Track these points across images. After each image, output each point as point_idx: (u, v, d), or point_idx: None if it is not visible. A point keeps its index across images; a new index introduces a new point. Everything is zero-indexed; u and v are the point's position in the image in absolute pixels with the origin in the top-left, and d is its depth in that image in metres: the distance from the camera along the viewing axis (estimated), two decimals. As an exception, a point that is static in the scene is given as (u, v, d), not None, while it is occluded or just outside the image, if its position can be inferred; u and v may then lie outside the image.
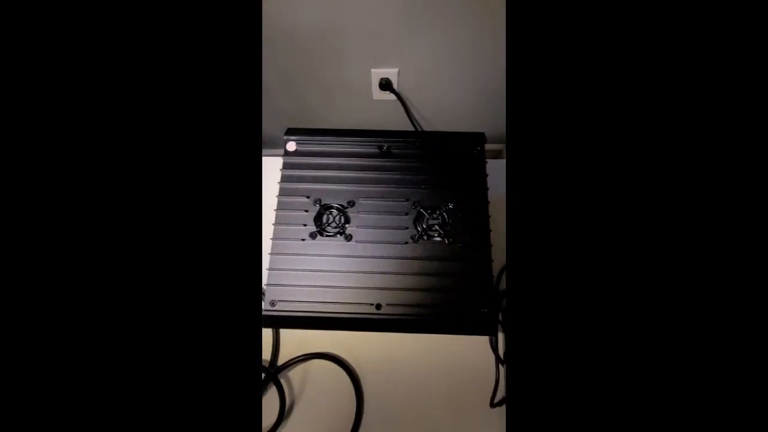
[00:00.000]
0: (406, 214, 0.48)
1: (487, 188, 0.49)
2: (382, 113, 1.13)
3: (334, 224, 0.49)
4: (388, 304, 0.45)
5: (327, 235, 0.48)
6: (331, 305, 0.46)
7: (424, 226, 0.48)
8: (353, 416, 0.49)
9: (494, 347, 0.51)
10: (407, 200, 0.49)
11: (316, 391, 0.51)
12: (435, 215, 0.48)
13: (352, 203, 0.49)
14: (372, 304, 0.45)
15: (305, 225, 0.48)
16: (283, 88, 1.05)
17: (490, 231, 0.48)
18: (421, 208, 0.49)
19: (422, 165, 0.50)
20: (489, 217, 0.48)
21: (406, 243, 0.47)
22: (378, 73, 1.02)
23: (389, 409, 0.50)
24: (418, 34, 0.91)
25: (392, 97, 1.07)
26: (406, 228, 0.48)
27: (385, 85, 1.04)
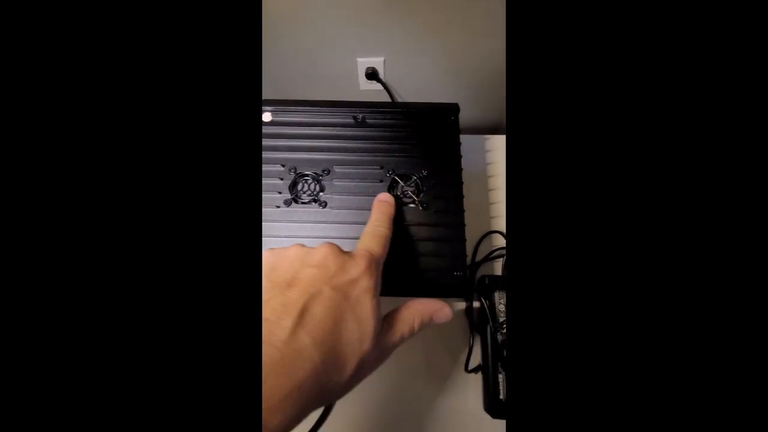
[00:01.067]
0: (381, 181, 0.49)
1: (461, 156, 0.50)
2: (369, 103, 1.14)
3: (308, 192, 0.49)
4: (361, 269, 0.45)
5: (302, 203, 0.48)
6: (306, 271, 0.46)
7: (399, 193, 0.48)
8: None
9: (468, 313, 0.51)
10: (381, 168, 0.49)
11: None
12: (409, 182, 0.49)
13: (326, 171, 0.49)
14: (346, 269, 0.45)
15: (280, 193, 0.48)
16: (268, 78, 1.06)
17: (464, 197, 0.48)
18: (395, 175, 0.49)
19: (397, 134, 0.51)
20: (462, 183, 0.49)
21: (380, 209, 0.48)
22: (364, 62, 1.03)
23: (367, 379, 0.50)
24: (403, 22, 0.92)
25: (379, 86, 1.08)
26: (381, 195, 0.48)
27: (372, 74, 1.05)
